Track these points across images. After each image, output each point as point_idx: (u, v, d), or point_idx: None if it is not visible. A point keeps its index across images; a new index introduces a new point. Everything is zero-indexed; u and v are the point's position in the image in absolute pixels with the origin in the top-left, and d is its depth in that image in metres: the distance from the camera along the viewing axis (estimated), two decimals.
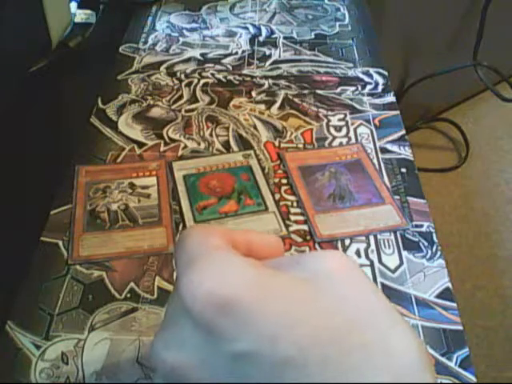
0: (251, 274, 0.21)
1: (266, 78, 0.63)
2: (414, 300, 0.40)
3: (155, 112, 0.57)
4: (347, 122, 0.56)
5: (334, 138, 0.54)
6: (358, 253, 0.43)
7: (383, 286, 0.41)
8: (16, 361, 0.35)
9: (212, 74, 0.63)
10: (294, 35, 0.71)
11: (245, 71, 0.64)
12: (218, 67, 0.64)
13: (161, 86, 0.61)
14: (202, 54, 0.67)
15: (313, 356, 0.19)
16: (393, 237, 0.44)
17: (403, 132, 0.55)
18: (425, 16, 1.20)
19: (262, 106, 0.58)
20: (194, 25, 0.73)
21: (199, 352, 0.20)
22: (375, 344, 0.19)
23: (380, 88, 0.61)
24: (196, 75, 0.63)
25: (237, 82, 0.62)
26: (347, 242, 0.44)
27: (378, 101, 0.59)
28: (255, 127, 0.55)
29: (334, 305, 0.20)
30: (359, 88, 0.61)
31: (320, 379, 0.19)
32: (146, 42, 0.69)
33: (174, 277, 0.40)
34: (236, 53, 0.67)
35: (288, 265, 0.23)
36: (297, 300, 0.20)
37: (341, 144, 0.53)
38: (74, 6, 0.69)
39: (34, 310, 0.38)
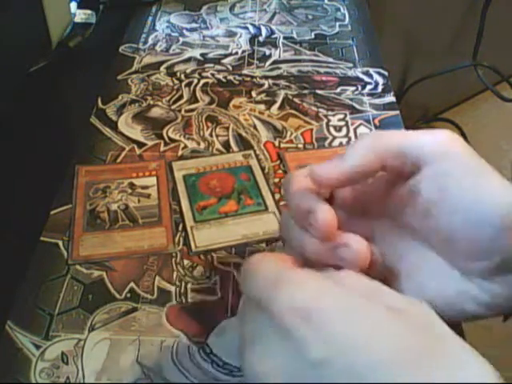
0: (337, 295, 0.23)
1: (266, 78, 0.63)
2: None
3: (155, 112, 0.57)
4: (347, 122, 0.56)
5: (334, 138, 0.54)
6: None
7: None
8: (16, 361, 0.35)
9: (212, 74, 0.63)
10: (294, 35, 0.71)
11: (245, 71, 0.64)
12: (218, 67, 0.64)
13: (161, 86, 0.61)
14: (202, 54, 0.67)
15: (385, 377, 0.20)
16: None
17: None
18: (425, 16, 1.20)
19: (262, 106, 0.58)
20: (194, 25, 0.73)
21: (286, 362, 0.22)
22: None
23: (380, 88, 0.61)
24: (196, 75, 0.63)
25: (237, 82, 0.62)
26: None
27: (377, 101, 0.59)
28: (255, 127, 0.55)
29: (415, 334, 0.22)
30: (359, 88, 0.61)
31: None
32: (145, 42, 0.69)
33: (174, 277, 0.40)
34: (236, 53, 0.67)
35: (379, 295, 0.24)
36: (378, 323, 0.22)
37: (341, 144, 0.53)
38: (73, 5, 0.69)
39: (33, 309, 0.38)
